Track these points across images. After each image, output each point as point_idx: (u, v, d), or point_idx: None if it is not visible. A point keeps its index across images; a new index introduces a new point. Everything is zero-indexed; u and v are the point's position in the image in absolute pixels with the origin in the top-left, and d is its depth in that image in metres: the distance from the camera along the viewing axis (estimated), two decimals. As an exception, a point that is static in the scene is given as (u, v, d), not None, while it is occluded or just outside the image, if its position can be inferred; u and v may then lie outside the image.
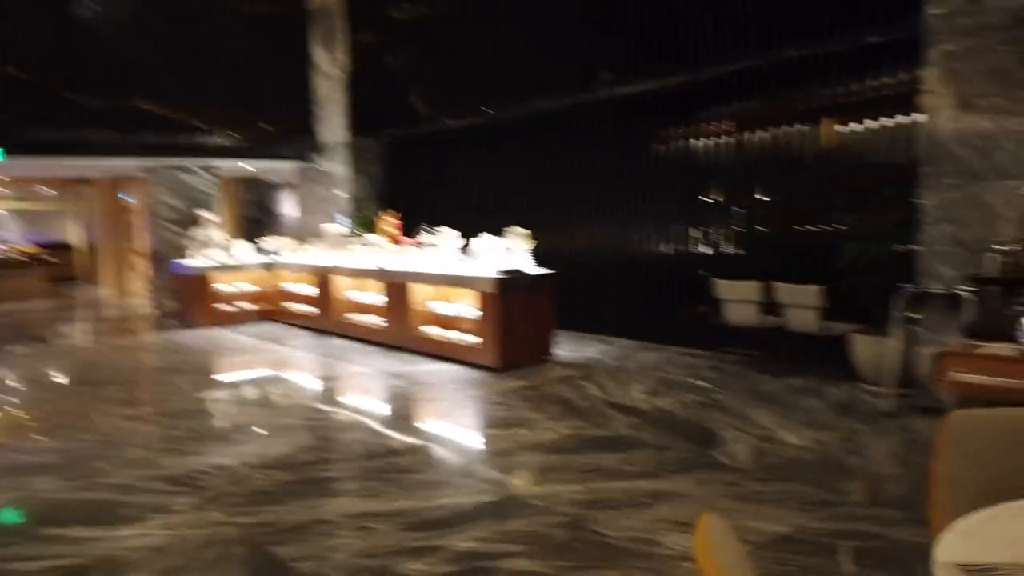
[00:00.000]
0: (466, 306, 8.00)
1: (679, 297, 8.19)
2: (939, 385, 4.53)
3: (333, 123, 12.45)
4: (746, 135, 7.51)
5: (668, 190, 8.24)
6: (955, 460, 2.33)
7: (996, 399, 4.14)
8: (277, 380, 7.42)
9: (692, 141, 8.04)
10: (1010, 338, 4.40)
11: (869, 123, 6.40)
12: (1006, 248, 4.73)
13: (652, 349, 8.17)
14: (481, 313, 7.37)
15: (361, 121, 12.04)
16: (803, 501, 3.93)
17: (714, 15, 7.09)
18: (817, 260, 6.83)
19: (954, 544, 1.84)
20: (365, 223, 11.26)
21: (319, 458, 4.92)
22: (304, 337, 9.71)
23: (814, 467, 4.44)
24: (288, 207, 16.28)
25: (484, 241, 7.89)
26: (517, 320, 7.31)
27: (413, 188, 11.92)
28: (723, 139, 7.75)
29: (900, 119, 6.19)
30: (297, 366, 8.15)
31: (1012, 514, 2.00)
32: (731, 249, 7.62)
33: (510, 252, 7.68)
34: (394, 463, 4.72)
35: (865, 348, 5.92)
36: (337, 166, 12.45)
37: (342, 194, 12.40)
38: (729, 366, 7.14)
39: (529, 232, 7.72)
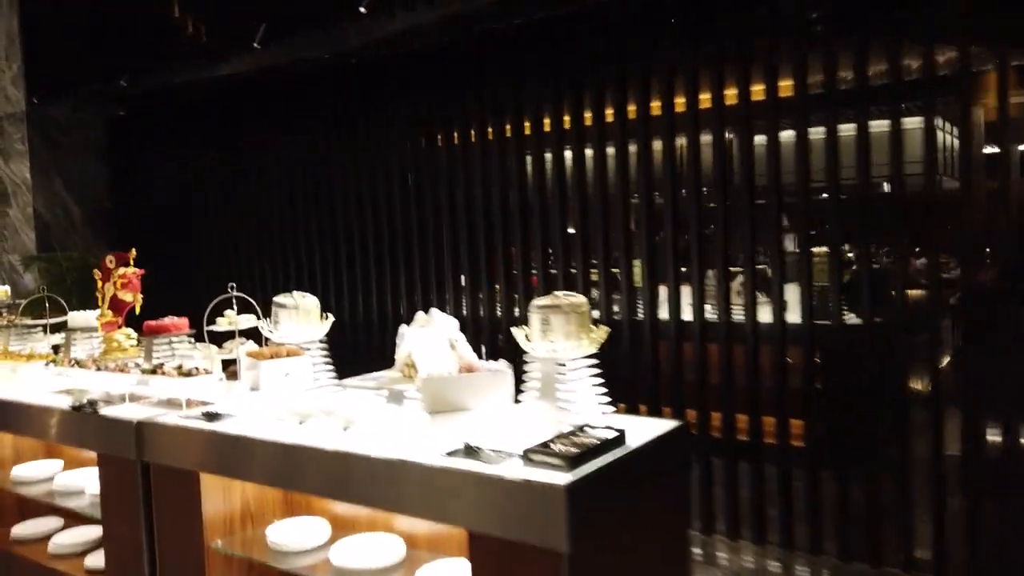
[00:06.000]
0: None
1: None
2: None
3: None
4: None
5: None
6: None
7: None
8: None
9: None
10: None
11: None
12: None
13: None
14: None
15: (58, 69, 6.04)
16: None
17: None
18: None
19: None
20: (74, 277, 5.53)
21: None
22: None
23: None
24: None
25: (434, 328, 2.53)
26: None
27: (173, 204, 6.11)
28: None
29: None
30: None
31: None
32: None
33: (545, 362, 2.35)
34: None
35: None
36: (7, 163, 6.32)
37: (18, 216, 6.27)
38: None
39: (585, 303, 2.45)
